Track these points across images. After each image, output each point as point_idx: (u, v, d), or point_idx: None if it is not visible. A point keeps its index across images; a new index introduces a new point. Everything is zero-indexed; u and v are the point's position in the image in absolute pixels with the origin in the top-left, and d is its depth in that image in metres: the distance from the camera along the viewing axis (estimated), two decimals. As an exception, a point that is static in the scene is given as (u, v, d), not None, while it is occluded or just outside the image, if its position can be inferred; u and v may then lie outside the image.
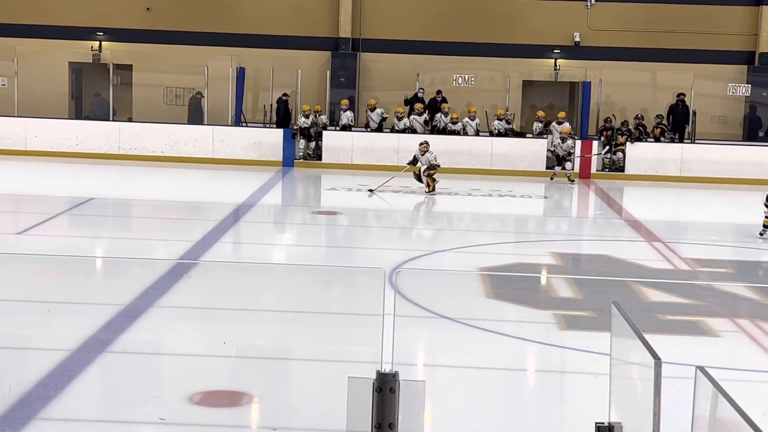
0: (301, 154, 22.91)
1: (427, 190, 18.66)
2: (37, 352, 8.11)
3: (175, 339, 8.58)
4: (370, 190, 18.53)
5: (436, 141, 23.04)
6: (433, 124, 23.62)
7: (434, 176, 18.79)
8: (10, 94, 24.47)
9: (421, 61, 25.58)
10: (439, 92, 24.38)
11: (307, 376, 7.78)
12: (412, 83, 24.85)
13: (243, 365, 8.05)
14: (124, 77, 25.76)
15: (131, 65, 25.98)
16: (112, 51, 25.93)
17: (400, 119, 23.49)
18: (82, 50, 25.98)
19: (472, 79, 25.82)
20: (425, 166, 18.78)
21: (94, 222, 15.47)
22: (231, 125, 23.98)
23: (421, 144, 19.16)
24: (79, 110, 26.85)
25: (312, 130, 22.87)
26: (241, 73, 23.98)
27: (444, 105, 23.96)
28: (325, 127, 23.16)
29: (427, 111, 23.80)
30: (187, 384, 7.18)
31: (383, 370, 2.82)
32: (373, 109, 23.59)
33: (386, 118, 23.50)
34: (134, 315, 9.10)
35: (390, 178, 18.75)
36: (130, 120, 25.11)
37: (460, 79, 25.55)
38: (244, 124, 24.00)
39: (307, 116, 22.68)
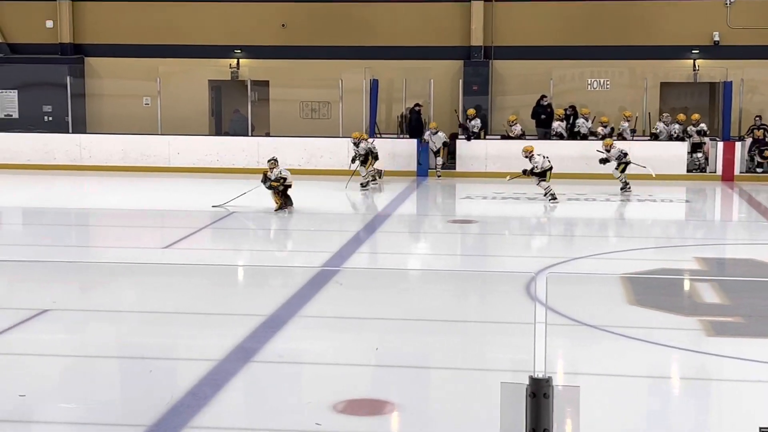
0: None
1: (276, 208, 16.91)
2: (186, 362, 8.34)
3: (317, 347, 8.69)
4: (216, 206, 17.36)
5: (573, 147, 22.80)
6: (575, 130, 23.36)
7: (288, 192, 17.09)
8: (153, 113, 25.36)
9: (554, 66, 25.30)
10: (572, 107, 24.04)
11: (449, 383, 7.77)
12: (545, 89, 24.58)
13: (384, 373, 8.09)
14: (261, 93, 26.34)
15: (268, 81, 26.53)
16: (250, 68, 26.55)
17: (512, 126, 23.64)
18: (220, 68, 26.69)
19: (608, 82, 25.39)
20: (280, 183, 16.94)
21: (235, 235, 15.86)
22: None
23: (268, 161, 17.56)
24: (219, 127, 27.57)
25: (369, 156, 20.94)
26: (374, 85, 24.20)
27: (584, 110, 23.69)
28: (447, 145, 23.10)
29: (571, 117, 23.60)
30: (330, 392, 7.27)
31: (536, 376, 2.79)
32: (471, 119, 23.56)
33: (479, 133, 23.42)
34: (277, 325, 9.28)
35: (243, 192, 17.53)
36: (267, 135, 25.63)
37: (595, 83, 25.18)
38: (378, 136, 24.19)
39: (357, 144, 20.91)
